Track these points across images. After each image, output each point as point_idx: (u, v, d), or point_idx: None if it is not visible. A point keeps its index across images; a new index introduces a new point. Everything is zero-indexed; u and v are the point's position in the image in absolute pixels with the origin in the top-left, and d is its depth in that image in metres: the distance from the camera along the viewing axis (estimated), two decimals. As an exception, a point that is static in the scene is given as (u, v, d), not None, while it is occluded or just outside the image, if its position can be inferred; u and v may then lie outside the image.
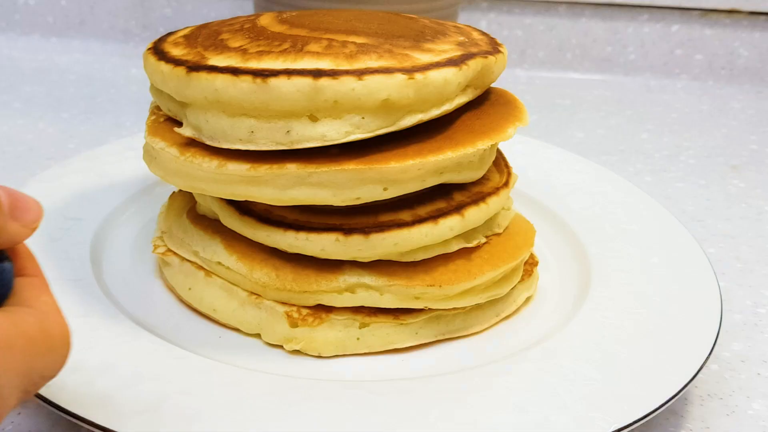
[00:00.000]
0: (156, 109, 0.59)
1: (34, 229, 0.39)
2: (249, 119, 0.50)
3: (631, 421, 0.46)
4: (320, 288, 0.53)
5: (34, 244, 0.41)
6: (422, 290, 0.53)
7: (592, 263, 0.64)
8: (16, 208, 0.38)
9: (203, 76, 0.50)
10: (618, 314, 0.57)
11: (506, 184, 0.57)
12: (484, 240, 0.57)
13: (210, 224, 0.58)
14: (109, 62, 1.24)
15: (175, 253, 0.59)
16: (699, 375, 0.61)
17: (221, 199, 0.56)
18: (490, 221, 0.58)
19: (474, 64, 0.52)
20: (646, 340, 0.54)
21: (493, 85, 0.61)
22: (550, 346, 0.54)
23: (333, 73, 0.49)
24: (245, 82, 0.49)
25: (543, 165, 0.79)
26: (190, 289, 0.57)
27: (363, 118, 0.50)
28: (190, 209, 0.60)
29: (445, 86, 0.51)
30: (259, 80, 0.49)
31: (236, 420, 0.45)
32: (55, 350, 0.37)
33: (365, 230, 0.52)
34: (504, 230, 0.59)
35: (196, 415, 0.45)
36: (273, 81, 0.49)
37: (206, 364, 0.50)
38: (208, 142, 0.52)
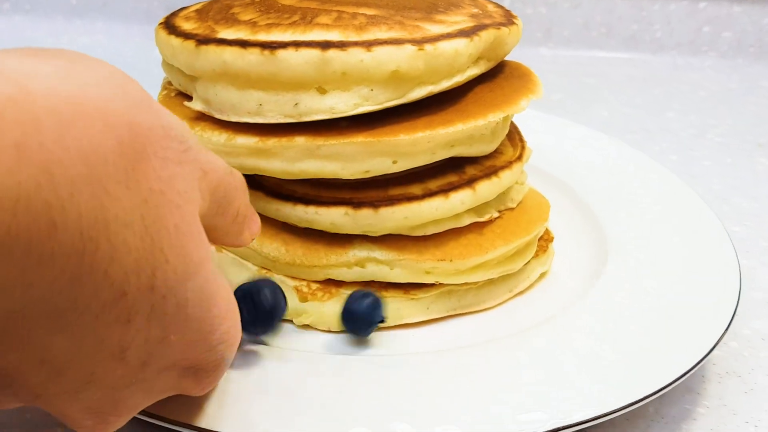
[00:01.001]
0: (168, 84, 0.59)
1: (252, 239, 0.44)
2: (257, 92, 0.50)
3: (638, 398, 0.46)
4: (329, 262, 0.53)
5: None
6: (433, 265, 0.53)
7: (609, 240, 0.63)
8: (249, 218, 0.43)
9: (212, 49, 0.50)
10: (633, 291, 0.56)
11: (519, 158, 0.57)
12: (496, 214, 0.56)
13: (221, 199, 0.58)
14: (132, 43, 1.24)
15: (187, 228, 0.59)
16: (717, 352, 0.60)
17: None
18: (503, 195, 0.57)
19: (486, 36, 0.52)
20: (661, 317, 0.53)
21: (513, 60, 0.61)
22: (562, 322, 0.53)
23: (341, 45, 0.48)
24: (253, 54, 0.49)
25: (563, 141, 0.78)
26: (201, 263, 0.57)
27: (372, 90, 0.49)
28: (202, 184, 0.60)
29: (456, 58, 0.50)
30: (267, 52, 0.48)
31: (246, 395, 0.45)
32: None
33: (375, 204, 0.52)
34: (518, 205, 0.58)
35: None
36: (281, 53, 0.48)
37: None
38: (217, 116, 0.52)
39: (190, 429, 0.42)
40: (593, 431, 0.52)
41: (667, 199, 0.68)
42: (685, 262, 0.59)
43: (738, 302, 0.56)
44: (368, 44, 0.48)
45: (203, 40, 0.51)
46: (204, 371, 0.38)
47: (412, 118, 0.51)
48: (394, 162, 0.50)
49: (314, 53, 0.48)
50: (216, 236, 0.40)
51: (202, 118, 0.53)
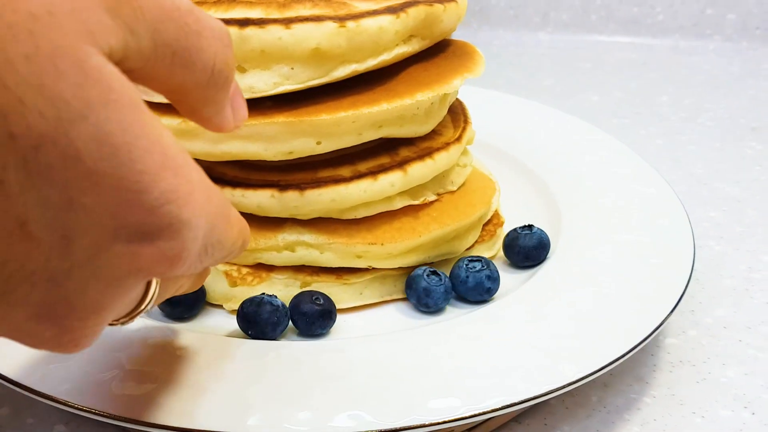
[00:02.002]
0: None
1: (237, 127, 0.37)
2: (179, 71, 0.49)
3: (552, 388, 0.44)
4: (258, 246, 0.52)
5: None
6: (364, 248, 0.52)
7: (563, 225, 0.61)
8: (236, 99, 0.36)
9: (135, 29, 0.49)
10: (575, 277, 0.54)
11: (458, 139, 0.55)
12: (433, 197, 0.55)
13: (159, 182, 0.57)
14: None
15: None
16: (673, 341, 0.58)
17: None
18: (441, 178, 0.55)
19: (415, 12, 0.50)
20: (602, 302, 0.51)
21: (460, 39, 0.59)
22: (496, 306, 0.51)
23: (260, 22, 0.47)
24: (173, 33, 0.48)
25: (525, 123, 0.76)
26: (137, 247, 0.57)
27: (292, 68, 0.48)
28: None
29: (381, 35, 0.49)
30: (185, 31, 0.47)
31: (172, 379, 0.44)
32: (230, 225, 0.35)
33: (301, 186, 0.50)
34: (459, 188, 0.56)
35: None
36: (199, 31, 0.47)
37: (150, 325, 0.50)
38: (143, 97, 0.51)
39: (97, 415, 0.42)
40: (531, 420, 0.51)
41: (630, 183, 0.65)
42: (637, 245, 0.57)
43: (685, 288, 0.53)
44: (287, 21, 0.47)
45: (129, 20, 0.50)
46: (161, 240, 0.30)
47: (337, 98, 0.49)
48: (318, 143, 0.49)
49: (232, 31, 0.47)
50: (189, 103, 0.35)
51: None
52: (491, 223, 0.59)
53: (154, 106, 0.51)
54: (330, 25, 0.47)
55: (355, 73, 0.49)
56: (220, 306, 0.53)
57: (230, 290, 0.52)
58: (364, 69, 0.49)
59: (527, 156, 0.70)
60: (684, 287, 0.53)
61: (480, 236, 0.58)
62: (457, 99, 0.61)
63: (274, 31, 0.47)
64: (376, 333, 0.50)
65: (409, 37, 0.51)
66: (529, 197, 0.66)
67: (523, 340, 0.48)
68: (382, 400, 0.43)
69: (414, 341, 0.48)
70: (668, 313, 0.51)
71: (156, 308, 0.52)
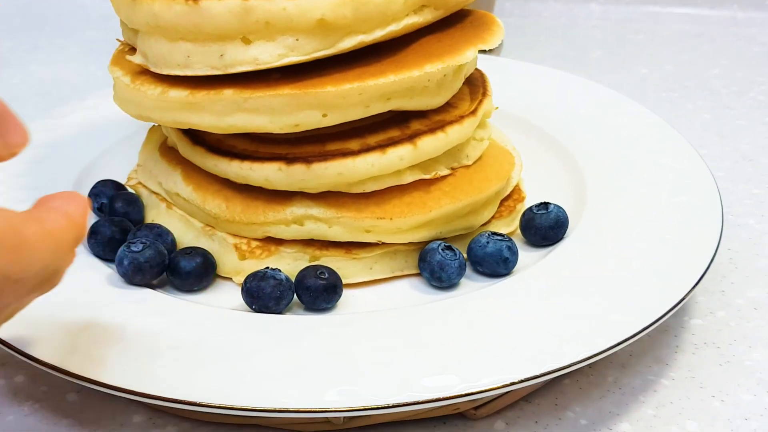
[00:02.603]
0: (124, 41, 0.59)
1: (14, 154, 0.36)
2: (186, 43, 0.49)
3: (572, 361, 0.43)
4: (267, 219, 0.52)
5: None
6: (372, 223, 0.51)
7: (588, 198, 0.59)
8: (3, 124, 0.36)
9: (145, 1, 0.49)
10: (591, 255, 0.52)
11: (473, 112, 0.54)
12: (446, 172, 0.53)
13: (175, 156, 0.57)
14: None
15: (144, 186, 0.59)
16: (699, 321, 0.56)
17: (180, 129, 0.55)
18: (456, 152, 0.54)
19: (424, -19, 0.49)
20: (623, 279, 0.50)
21: (479, 10, 0.57)
22: (515, 279, 0.50)
23: (264, -7, 0.47)
24: (179, 4, 0.48)
25: (559, 94, 0.74)
26: (152, 220, 0.57)
27: (297, 39, 0.47)
28: (163, 142, 0.60)
29: (389, 5, 0.48)
30: (191, 2, 0.47)
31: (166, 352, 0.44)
32: (25, 249, 0.32)
33: (308, 159, 0.50)
34: (475, 162, 0.55)
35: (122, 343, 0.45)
36: (204, 2, 0.47)
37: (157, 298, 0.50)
38: (153, 69, 0.51)
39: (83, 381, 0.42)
40: (541, 400, 0.50)
41: (662, 158, 0.63)
42: (663, 222, 0.55)
43: (708, 267, 0.51)
44: (291, -8, 0.46)
45: (139, -8, 0.50)
46: None
47: (343, 70, 0.49)
48: (324, 115, 0.48)
49: (236, 2, 0.46)
50: None
51: (144, 72, 0.53)
52: (511, 198, 0.58)
53: (167, 79, 0.51)
54: (335, -5, 0.46)
55: (363, 44, 0.48)
56: (230, 279, 0.53)
57: (239, 263, 0.52)
58: (372, 40, 0.48)
59: (558, 130, 0.68)
60: (707, 266, 0.52)
61: (498, 212, 0.57)
62: (478, 70, 0.60)
63: (279, 2, 0.46)
64: (383, 308, 0.50)
65: (420, 7, 0.50)
66: (557, 172, 0.64)
67: (534, 318, 0.47)
68: (378, 376, 0.42)
69: (418, 317, 0.47)
70: (686, 293, 0.49)
71: (168, 280, 0.52)
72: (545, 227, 0.55)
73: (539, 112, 0.71)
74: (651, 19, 1.18)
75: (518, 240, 0.57)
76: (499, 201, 0.56)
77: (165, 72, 0.50)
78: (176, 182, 0.55)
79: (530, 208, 0.56)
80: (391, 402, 0.40)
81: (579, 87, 0.75)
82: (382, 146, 0.50)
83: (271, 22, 0.47)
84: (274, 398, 0.41)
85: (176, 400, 0.41)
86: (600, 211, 0.57)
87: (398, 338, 0.45)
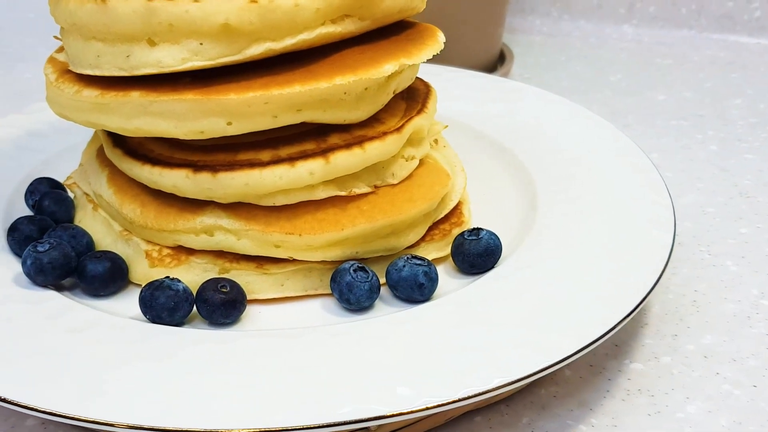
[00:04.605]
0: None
1: None
2: (97, 43, 0.48)
3: (497, 385, 0.41)
4: (177, 227, 0.50)
5: None
6: (281, 237, 0.49)
7: (536, 225, 0.56)
8: None
9: (63, -1, 0.49)
10: (529, 279, 0.50)
11: (398, 129, 0.51)
12: (366, 189, 0.51)
13: (106, 158, 0.56)
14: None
15: (78, 186, 0.58)
16: (638, 366, 0.52)
17: (104, 130, 0.54)
18: (379, 169, 0.52)
19: (342, -10, 0.47)
20: (546, 310, 0.47)
21: (426, 23, 0.55)
22: (431, 305, 0.48)
23: (170, -6, 0.45)
24: (90, 3, 0.47)
25: (541, 119, 0.71)
26: (80, 221, 0.56)
27: (201, 44, 0.46)
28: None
29: (297, 12, 0.46)
30: (99, 1, 0.46)
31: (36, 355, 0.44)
32: None
33: (215, 168, 0.48)
34: (401, 181, 0.52)
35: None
36: (111, 2, 0.46)
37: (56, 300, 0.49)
38: (71, 67, 0.51)
39: None
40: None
41: (626, 185, 0.59)
42: (610, 249, 0.52)
43: (641, 302, 0.48)
44: (198, -6, 0.45)
45: (62, -10, 0.49)
46: None
47: (250, 78, 0.47)
48: (229, 123, 0.47)
49: (140, 3, 0.45)
50: None
51: (69, 72, 0.52)
52: (448, 221, 0.55)
53: (83, 78, 0.50)
54: (240, 0, 0.45)
55: (272, 52, 0.46)
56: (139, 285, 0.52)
57: (149, 271, 0.51)
58: (282, 48, 0.47)
59: (526, 153, 0.65)
60: (642, 298, 0.48)
61: (430, 234, 0.54)
62: (426, 86, 0.57)
63: (182, 5, 0.45)
64: (283, 326, 0.48)
65: (341, 17, 0.48)
66: (513, 197, 0.61)
67: (430, 348, 0.44)
68: (234, 400, 0.40)
69: (310, 339, 0.45)
70: (600, 334, 0.45)
71: (78, 283, 0.51)
72: (473, 254, 0.52)
73: (513, 135, 0.68)
74: (685, 43, 1.13)
75: (450, 264, 0.54)
76: (428, 223, 0.54)
77: (79, 71, 0.50)
78: (101, 184, 0.54)
79: (462, 233, 0.53)
80: (247, 428, 0.38)
81: (559, 110, 0.71)
82: (292, 159, 0.48)
83: (174, 24, 0.45)
84: (131, 411, 0.39)
85: (27, 406, 0.40)
86: (542, 239, 0.54)
87: (278, 361, 0.43)
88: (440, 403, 0.40)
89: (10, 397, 0.40)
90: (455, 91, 0.74)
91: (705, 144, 0.84)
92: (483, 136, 0.68)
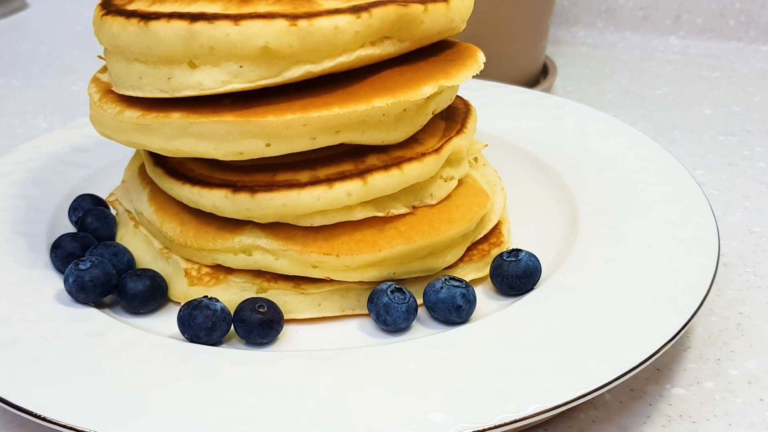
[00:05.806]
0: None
1: None
2: (140, 65, 0.49)
3: (534, 412, 0.41)
4: (216, 246, 0.51)
5: None
6: (318, 258, 0.49)
7: (577, 248, 0.55)
8: None
9: (107, 21, 0.49)
10: (569, 303, 0.49)
11: (437, 150, 0.51)
12: (404, 210, 0.51)
13: (148, 175, 0.57)
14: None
15: (120, 203, 0.59)
16: (680, 392, 0.51)
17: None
18: (417, 190, 0.51)
19: (381, 13, 0.47)
20: (585, 337, 0.47)
21: (467, 42, 0.55)
22: (468, 328, 0.48)
23: (211, 17, 0.46)
24: (132, 25, 0.48)
25: (583, 136, 0.70)
26: (121, 238, 0.57)
27: (241, 66, 0.46)
28: (145, 160, 0.60)
29: (337, 35, 0.46)
30: (142, 24, 0.47)
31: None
32: None
33: (254, 189, 0.49)
34: (439, 202, 0.52)
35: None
36: (153, 24, 0.47)
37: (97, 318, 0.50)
38: (114, 88, 0.51)
39: None
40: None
41: (671, 208, 0.58)
42: (646, 282, 0.51)
43: (684, 327, 0.47)
44: (236, 18, 0.45)
45: (108, 11, 0.50)
46: None
47: (289, 100, 0.47)
48: (268, 145, 0.47)
49: (182, 26, 0.46)
50: None
51: (111, 92, 0.53)
52: (487, 241, 0.55)
53: (125, 99, 0.51)
54: (280, 23, 0.45)
55: (311, 74, 0.47)
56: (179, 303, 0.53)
57: (188, 289, 0.51)
58: (321, 71, 0.47)
59: (567, 171, 0.65)
60: (684, 323, 0.47)
61: (468, 255, 0.54)
62: (466, 105, 0.57)
63: (223, 28, 0.45)
64: (319, 347, 0.48)
65: (380, 39, 0.48)
66: (556, 218, 0.61)
67: (472, 372, 0.44)
68: (273, 422, 0.40)
69: (345, 361, 0.45)
70: (649, 354, 0.45)
71: (118, 301, 0.52)
72: (512, 276, 0.51)
73: (555, 152, 0.67)
74: (733, 55, 1.11)
75: (489, 287, 0.54)
76: (467, 244, 0.53)
77: (121, 92, 0.50)
78: (142, 201, 0.55)
79: (501, 255, 0.52)
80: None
81: (603, 126, 0.71)
82: (330, 180, 0.48)
83: (215, 47, 0.46)
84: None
85: (69, 426, 0.41)
86: (582, 261, 0.53)
87: (313, 383, 0.43)
88: (475, 429, 0.40)
89: (51, 417, 0.41)
90: (496, 107, 0.74)
91: (753, 161, 0.82)
92: (523, 153, 0.68)
